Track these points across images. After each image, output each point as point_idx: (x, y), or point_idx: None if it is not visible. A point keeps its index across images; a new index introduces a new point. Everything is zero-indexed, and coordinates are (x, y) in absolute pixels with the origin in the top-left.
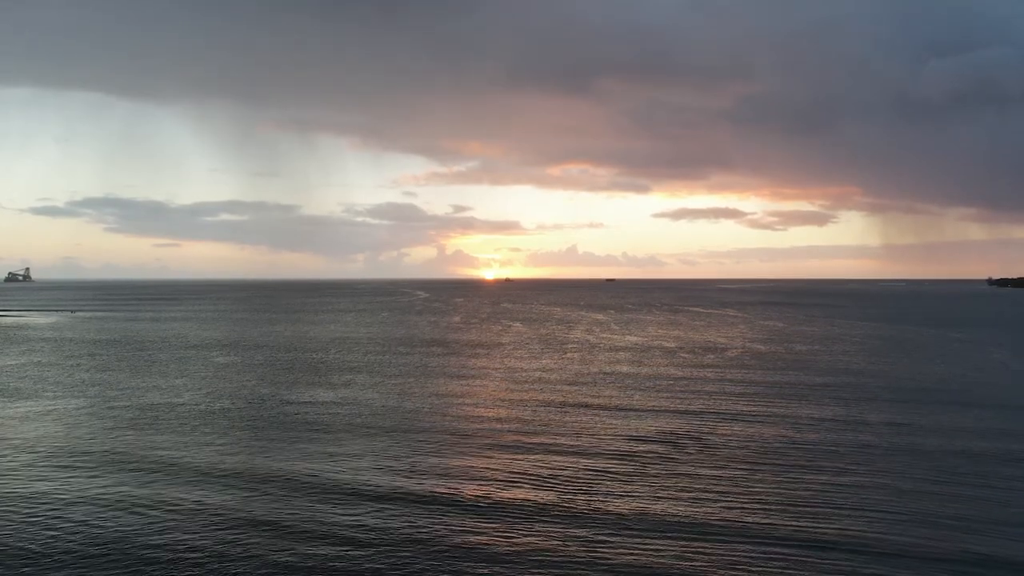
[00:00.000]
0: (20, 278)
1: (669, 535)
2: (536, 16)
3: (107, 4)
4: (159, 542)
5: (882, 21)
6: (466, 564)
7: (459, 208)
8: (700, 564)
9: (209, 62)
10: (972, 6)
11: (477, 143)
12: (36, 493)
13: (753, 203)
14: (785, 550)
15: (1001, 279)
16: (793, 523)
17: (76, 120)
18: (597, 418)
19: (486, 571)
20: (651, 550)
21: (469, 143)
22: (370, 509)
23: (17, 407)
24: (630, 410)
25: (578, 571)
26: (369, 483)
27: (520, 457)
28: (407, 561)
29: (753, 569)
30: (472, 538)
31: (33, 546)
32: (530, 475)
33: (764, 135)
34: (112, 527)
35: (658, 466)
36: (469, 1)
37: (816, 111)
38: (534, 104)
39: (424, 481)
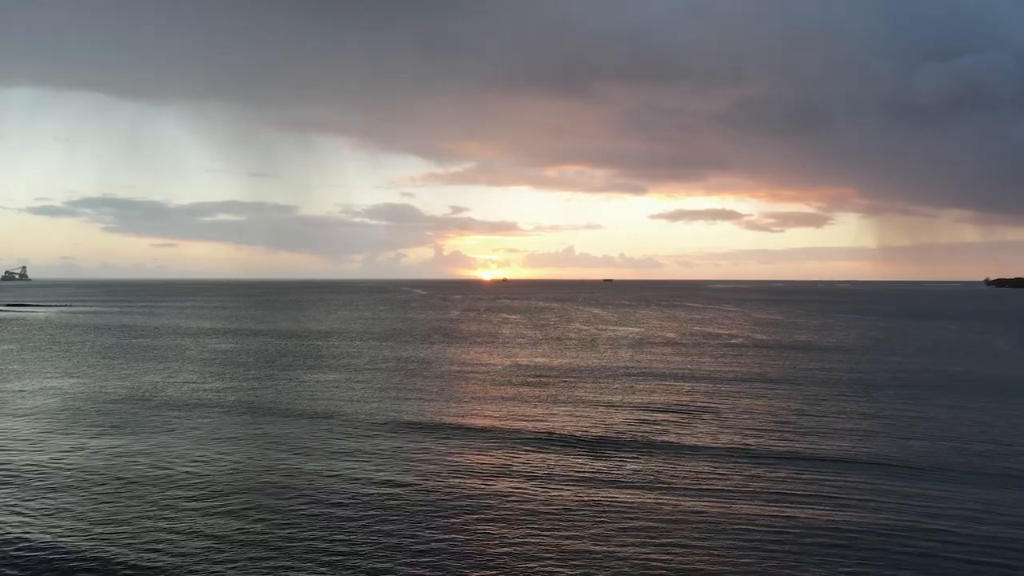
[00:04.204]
0: (17, 276)
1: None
2: (533, 18)
3: (107, 4)
4: (154, 497)
5: (876, 25)
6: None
7: (456, 209)
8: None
9: (208, 62)
10: (965, 11)
11: (474, 144)
12: (35, 459)
13: (750, 205)
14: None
15: (998, 279)
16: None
17: (75, 120)
18: (606, 391)
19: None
20: (671, 472)
21: (466, 144)
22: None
23: (15, 384)
24: (637, 378)
25: (590, 488)
26: (399, 420)
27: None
28: (413, 484)
29: (754, 482)
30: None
31: (33, 505)
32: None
33: (760, 137)
34: (107, 481)
35: (670, 426)
36: (467, 3)
37: (812, 114)
38: (531, 106)
39: (436, 418)
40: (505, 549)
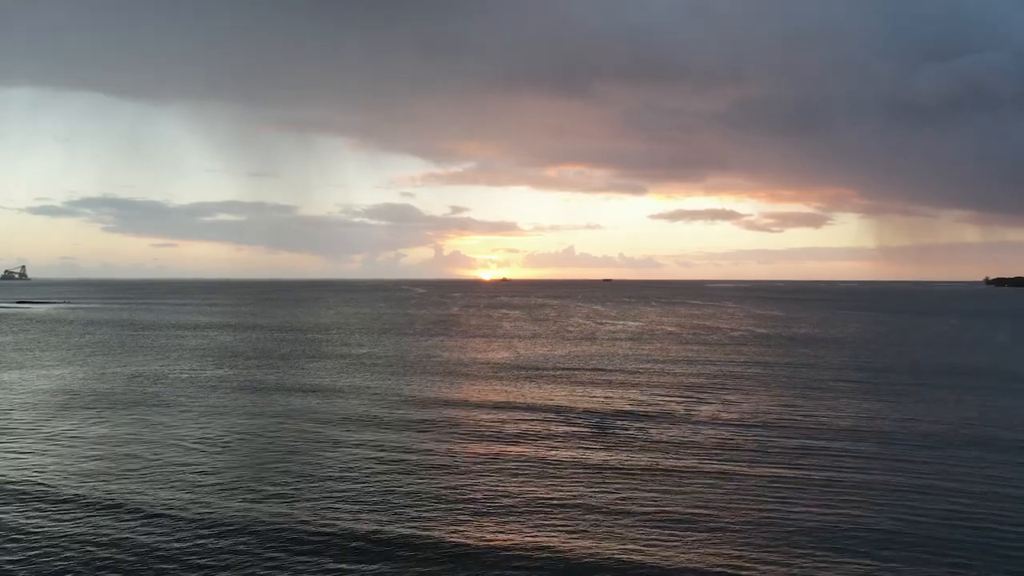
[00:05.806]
0: (16, 276)
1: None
2: (533, 18)
3: (107, 4)
4: (151, 472)
5: (876, 25)
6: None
7: (456, 209)
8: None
9: (208, 62)
10: (965, 11)
11: (474, 144)
12: (38, 435)
13: (749, 205)
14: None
15: (998, 279)
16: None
17: (75, 120)
18: (606, 375)
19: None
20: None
21: (466, 144)
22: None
23: (16, 371)
24: (636, 364)
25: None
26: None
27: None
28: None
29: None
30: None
31: (37, 478)
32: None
33: (760, 137)
34: (103, 460)
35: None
36: (467, 3)
37: (812, 114)
38: (531, 106)
39: (424, 411)
40: (511, 501)
